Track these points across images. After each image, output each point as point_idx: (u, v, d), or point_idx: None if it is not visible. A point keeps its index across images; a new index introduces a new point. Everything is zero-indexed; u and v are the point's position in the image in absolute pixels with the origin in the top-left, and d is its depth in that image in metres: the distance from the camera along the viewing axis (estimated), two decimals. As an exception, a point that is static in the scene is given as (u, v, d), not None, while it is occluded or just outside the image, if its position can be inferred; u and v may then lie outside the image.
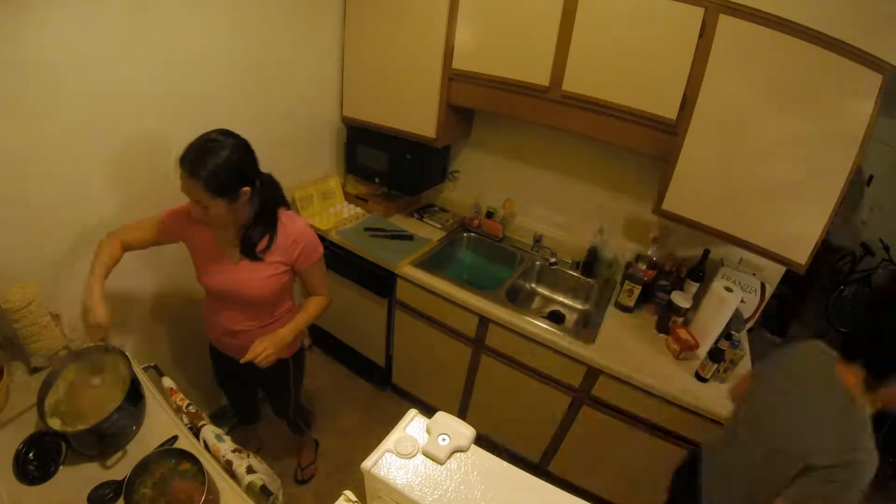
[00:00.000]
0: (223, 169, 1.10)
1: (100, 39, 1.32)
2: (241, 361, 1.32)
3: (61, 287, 1.47)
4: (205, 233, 1.32)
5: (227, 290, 1.36)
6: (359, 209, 2.42)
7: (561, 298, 2.22)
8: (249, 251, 1.29)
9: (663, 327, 1.84)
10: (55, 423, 1.10)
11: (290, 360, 1.62)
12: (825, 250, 2.56)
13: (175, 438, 1.20)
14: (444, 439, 0.50)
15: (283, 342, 1.40)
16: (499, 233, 2.33)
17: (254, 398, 1.95)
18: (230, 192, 1.14)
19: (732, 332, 1.62)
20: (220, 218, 1.19)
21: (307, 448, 2.14)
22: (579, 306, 2.17)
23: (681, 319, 1.78)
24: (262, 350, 1.33)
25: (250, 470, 1.20)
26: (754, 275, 1.82)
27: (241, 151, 1.16)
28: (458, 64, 1.87)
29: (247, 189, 1.18)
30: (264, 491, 1.16)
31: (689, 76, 1.46)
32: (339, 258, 2.23)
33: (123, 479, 1.01)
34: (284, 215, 1.35)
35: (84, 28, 1.28)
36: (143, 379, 1.32)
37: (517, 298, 2.06)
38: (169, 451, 1.09)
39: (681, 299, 1.77)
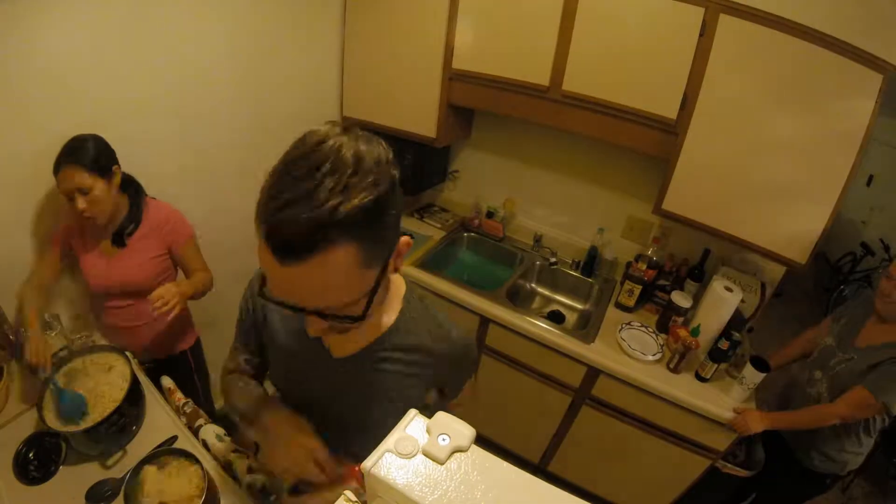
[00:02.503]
0: (96, 149, 1.23)
1: (100, 43, 1.32)
2: (152, 310, 1.29)
3: (58, 287, 1.47)
4: (86, 237, 1.37)
5: (109, 284, 1.38)
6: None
7: (561, 298, 2.22)
8: (118, 239, 1.35)
9: (663, 327, 1.84)
10: (55, 423, 1.10)
11: (187, 353, 1.64)
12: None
13: (175, 438, 1.20)
14: (444, 439, 0.50)
15: (183, 294, 1.36)
16: (499, 233, 2.33)
17: None
18: (106, 170, 1.25)
19: (732, 332, 1.62)
20: (102, 202, 1.25)
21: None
22: (579, 306, 2.17)
23: (681, 319, 1.78)
24: (165, 293, 1.30)
25: (250, 470, 1.19)
26: (754, 275, 1.82)
27: (100, 138, 1.27)
28: (458, 64, 1.87)
29: (117, 167, 1.28)
30: (264, 491, 1.16)
31: (689, 76, 1.46)
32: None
33: (123, 478, 1.01)
34: (150, 203, 1.41)
35: (84, 33, 1.28)
36: (143, 379, 1.32)
37: (517, 298, 2.06)
38: (169, 451, 1.08)
39: (681, 299, 1.77)
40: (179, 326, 1.59)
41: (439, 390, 0.89)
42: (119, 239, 1.35)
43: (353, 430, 0.83)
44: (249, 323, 0.89)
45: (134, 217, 1.36)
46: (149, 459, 1.04)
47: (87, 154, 1.21)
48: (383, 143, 0.55)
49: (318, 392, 0.82)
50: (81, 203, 1.22)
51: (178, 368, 1.61)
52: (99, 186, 1.23)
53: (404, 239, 0.62)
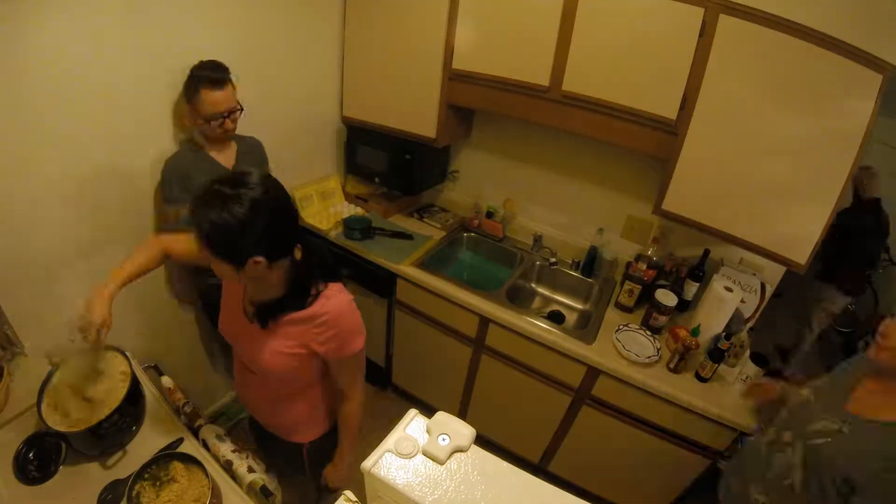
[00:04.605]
0: (228, 229, 0.85)
1: (98, 42, 1.32)
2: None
3: (61, 286, 1.47)
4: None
5: (234, 344, 1.20)
6: (359, 209, 2.42)
7: (561, 298, 2.22)
8: (261, 318, 1.05)
9: (648, 325, 1.84)
10: (55, 423, 1.10)
11: (303, 448, 1.31)
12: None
13: (181, 441, 1.20)
14: (444, 439, 0.50)
15: (343, 468, 1.28)
16: (499, 233, 2.33)
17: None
18: (234, 258, 0.90)
19: (732, 332, 1.62)
20: (228, 278, 0.99)
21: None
22: (579, 306, 2.17)
23: (664, 318, 1.78)
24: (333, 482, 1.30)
25: (250, 470, 1.20)
26: (754, 274, 1.82)
27: (265, 212, 0.88)
28: (458, 64, 1.87)
29: (259, 259, 0.90)
30: (264, 491, 1.16)
31: (689, 76, 1.46)
32: (339, 258, 2.24)
33: (127, 480, 1.01)
34: (328, 289, 1.06)
35: (82, 31, 1.28)
36: (143, 379, 1.32)
37: (517, 298, 2.06)
38: (172, 455, 1.08)
39: (665, 298, 1.77)
40: (300, 419, 1.27)
41: None
42: (264, 319, 1.05)
43: None
44: None
45: (293, 302, 1.04)
46: (151, 464, 1.05)
47: (207, 224, 0.87)
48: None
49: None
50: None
51: (291, 455, 1.33)
52: (221, 267, 0.94)
53: None
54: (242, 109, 1.51)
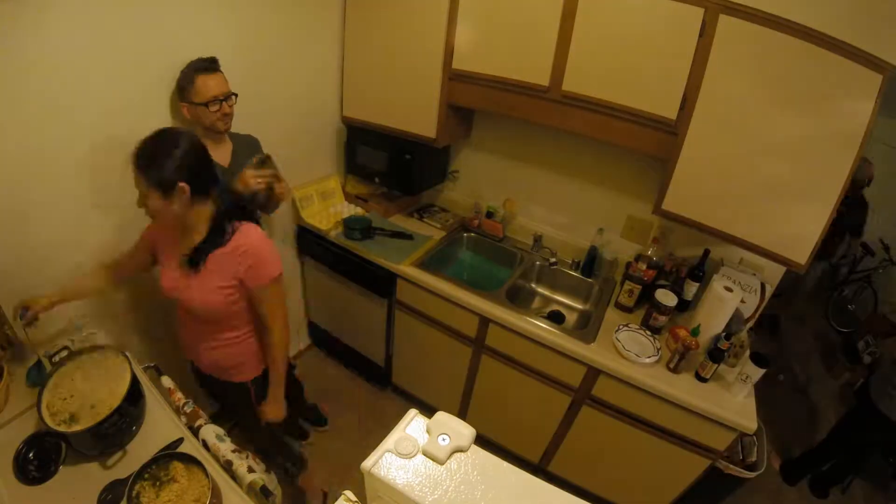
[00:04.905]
0: (161, 157, 1.10)
1: (98, 42, 1.32)
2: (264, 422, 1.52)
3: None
4: (167, 239, 1.32)
5: (176, 298, 1.33)
6: (359, 209, 2.42)
7: (561, 298, 2.22)
8: (192, 261, 1.24)
9: (648, 325, 1.84)
10: (54, 423, 1.10)
11: (249, 385, 1.50)
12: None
13: (181, 441, 1.20)
14: (444, 439, 0.50)
15: (276, 401, 1.51)
16: (499, 233, 2.33)
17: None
18: (164, 185, 1.10)
19: (732, 332, 1.62)
20: (161, 215, 1.18)
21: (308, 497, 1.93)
22: (579, 306, 2.17)
23: (664, 318, 1.78)
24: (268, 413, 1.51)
25: (250, 470, 1.20)
26: (754, 275, 1.82)
27: (189, 147, 1.13)
28: (458, 64, 1.87)
29: (184, 185, 1.11)
30: (264, 491, 1.16)
31: (688, 76, 1.46)
32: (339, 258, 2.24)
33: (127, 480, 1.01)
34: (243, 227, 1.26)
35: (82, 31, 1.28)
36: (143, 379, 1.32)
37: (517, 298, 2.06)
38: (172, 455, 1.08)
39: (665, 298, 1.77)
40: (242, 358, 1.47)
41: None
42: (195, 261, 1.24)
43: None
44: None
45: (213, 240, 1.23)
46: (151, 464, 1.05)
47: (145, 157, 1.12)
48: None
49: None
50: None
51: (237, 395, 1.52)
52: (153, 198, 1.13)
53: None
54: (236, 95, 1.54)
